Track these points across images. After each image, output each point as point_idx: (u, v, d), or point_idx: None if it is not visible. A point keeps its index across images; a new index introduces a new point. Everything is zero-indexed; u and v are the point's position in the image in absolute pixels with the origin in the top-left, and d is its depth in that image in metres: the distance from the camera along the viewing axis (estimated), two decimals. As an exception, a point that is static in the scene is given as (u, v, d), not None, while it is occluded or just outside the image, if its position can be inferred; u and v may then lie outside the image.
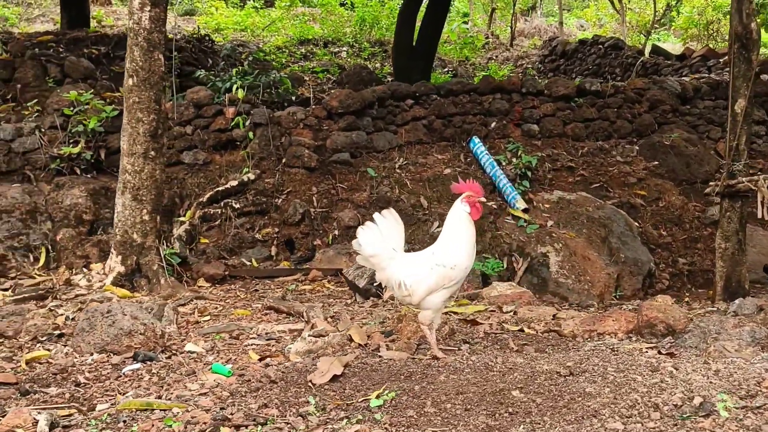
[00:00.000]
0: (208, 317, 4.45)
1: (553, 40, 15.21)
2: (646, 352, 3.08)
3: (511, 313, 4.23)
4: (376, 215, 3.38)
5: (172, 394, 2.72)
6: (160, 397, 2.69)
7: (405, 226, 7.95)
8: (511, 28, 17.14)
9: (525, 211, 8.06)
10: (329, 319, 3.96)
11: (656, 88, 9.72)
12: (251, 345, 3.58)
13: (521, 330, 3.76)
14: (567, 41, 14.65)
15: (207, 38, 12.11)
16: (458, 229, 3.44)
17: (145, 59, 5.77)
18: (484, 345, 3.36)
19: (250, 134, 7.85)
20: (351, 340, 3.40)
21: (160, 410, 2.53)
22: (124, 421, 2.47)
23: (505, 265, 7.63)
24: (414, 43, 11.79)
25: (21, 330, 3.95)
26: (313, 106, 8.61)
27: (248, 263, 7.11)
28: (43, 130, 7.30)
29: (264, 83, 9.33)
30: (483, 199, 3.53)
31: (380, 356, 3.18)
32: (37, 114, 7.57)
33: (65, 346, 3.54)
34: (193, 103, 8.03)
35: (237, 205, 7.44)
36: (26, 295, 5.17)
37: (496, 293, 4.92)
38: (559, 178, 8.80)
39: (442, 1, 11.51)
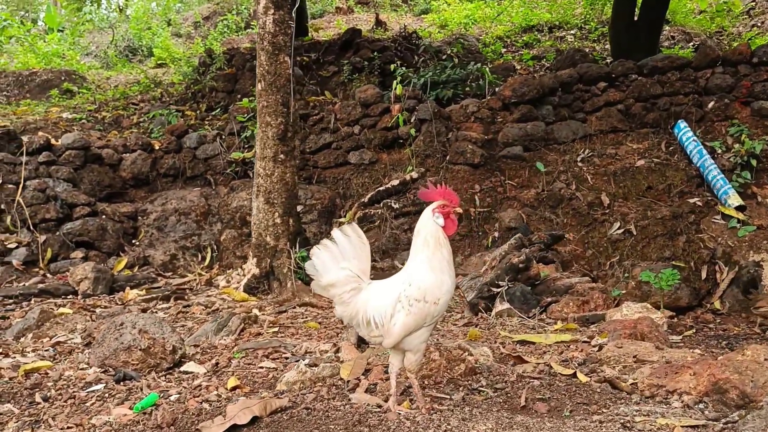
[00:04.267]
0: (276, 329, 4.22)
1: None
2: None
3: (597, 348, 3.28)
4: (335, 232, 2.72)
5: (65, 425, 2.52)
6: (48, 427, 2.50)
7: (578, 226, 7.02)
8: (786, -14, 14.15)
9: (740, 209, 6.56)
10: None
11: None
12: (259, 369, 3.27)
13: (573, 375, 2.87)
14: None
15: (414, 35, 12.00)
16: (436, 250, 2.70)
17: (270, 63, 5.82)
18: (487, 396, 2.60)
19: (412, 131, 7.49)
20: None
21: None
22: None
23: (704, 276, 6.25)
24: (635, 17, 10.29)
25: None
26: (488, 98, 7.95)
27: (399, 266, 6.76)
28: (223, 137, 7.80)
29: (461, 76, 8.93)
30: (459, 210, 2.78)
31: (349, 398, 2.63)
32: (221, 122, 8.12)
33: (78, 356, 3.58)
34: (360, 102, 7.99)
35: (396, 206, 7.18)
36: (157, 294, 5.47)
37: (619, 316, 3.93)
38: (799, 167, 6.96)
39: (668, -36, 9.89)
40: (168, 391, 2.95)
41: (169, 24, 19.63)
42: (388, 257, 6.99)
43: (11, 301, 5.39)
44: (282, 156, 5.94)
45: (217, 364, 3.41)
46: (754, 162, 6.82)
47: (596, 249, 6.61)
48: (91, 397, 2.89)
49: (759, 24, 13.70)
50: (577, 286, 4.81)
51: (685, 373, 2.61)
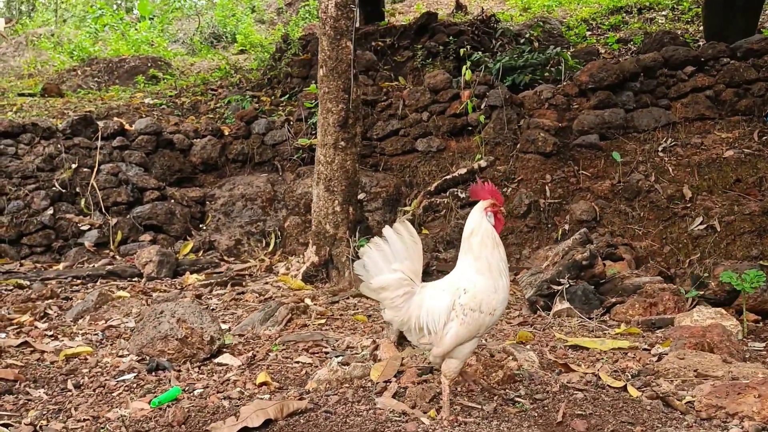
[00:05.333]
0: (323, 321, 4.13)
1: None
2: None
3: (656, 358, 2.98)
4: (386, 230, 2.53)
5: (84, 416, 2.49)
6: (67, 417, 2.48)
7: (656, 221, 6.61)
8: None
9: (841, 205, 5.89)
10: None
11: None
12: (295, 364, 3.18)
13: (624, 388, 2.60)
14: None
15: (492, 18, 11.62)
16: (494, 250, 2.51)
17: (332, 48, 5.72)
18: (522, 408, 2.39)
19: (481, 117, 7.23)
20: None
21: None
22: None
23: (798, 277, 5.69)
24: (732, -4, 9.56)
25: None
26: (564, 83, 7.56)
27: (464, 257, 6.55)
28: (291, 123, 7.79)
29: (540, 61, 8.57)
30: (503, 210, 2.62)
31: (375, 402, 2.48)
32: (294, 108, 8.11)
33: (122, 343, 3.59)
34: (429, 88, 7.79)
35: (462, 195, 6.95)
36: (216, 280, 5.50)
37: (689, 322, 3.60)
38: None
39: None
40: (195, 384, 2.90)
41: (253, 11, 19.96)
42: (452, 248, 6.78)
43: (79, 281, 5.58)
44: (342, 143, 5.83)
45: (254, 356, 3.35)
46: None
47: (675, 245, 6.16)
48: (120, 387, 2.88)
49: None
50: (647, 286, 4.45)
51: (750, 394, 2.31)
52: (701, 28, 11.19)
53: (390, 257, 2.51)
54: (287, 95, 9.63)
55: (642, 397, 2.56)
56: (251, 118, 8.28)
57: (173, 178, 7.66)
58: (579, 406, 2.44)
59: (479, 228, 2.55)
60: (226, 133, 8.06)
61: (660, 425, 2.28)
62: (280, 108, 8.77)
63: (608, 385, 2.70)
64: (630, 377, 2.87)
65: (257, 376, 2.95)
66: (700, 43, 9.80)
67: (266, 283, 5.53)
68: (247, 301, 4.85)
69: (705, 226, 6.13)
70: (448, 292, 2.51)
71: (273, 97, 10.14)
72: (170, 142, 7.77)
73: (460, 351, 2.45)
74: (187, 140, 7.90)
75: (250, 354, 3.39)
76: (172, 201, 7.12)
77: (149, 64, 13.45)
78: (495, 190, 2.60)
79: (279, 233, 7.07)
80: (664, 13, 13.42)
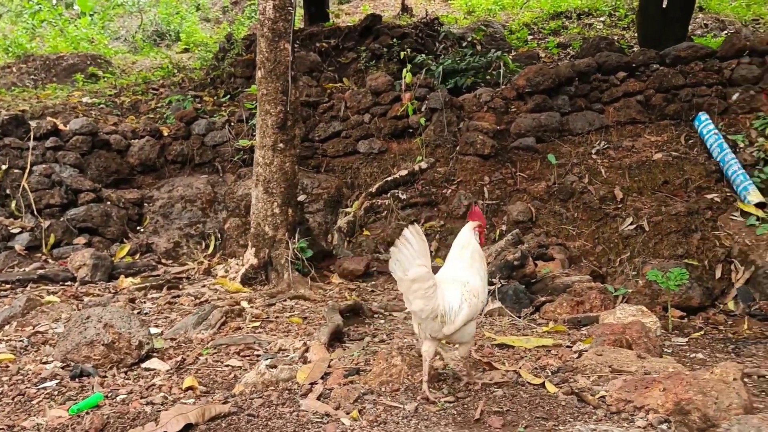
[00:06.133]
0: (258, 323, 4.12)
1: None
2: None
3: (576, 355, 3.09)
4: (406, 231, 2.87)
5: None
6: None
7: (589, 221, 6.81)
8: (830, -29, 13.48)
9: (760, 205, 6.27)
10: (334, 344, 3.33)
11: None
12: (225, 367, 3.17)
13: (542, 385, 2.69)
14: None
15: (436, 21, 11.75)
16: (482, 262, 3.18)
17: (270, 50, 5.71)
18: (442, 407, 2.44)
19: (422, 120, 7.31)
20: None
21: None
22: None
23: (718, 275, 5.97)
24: (664, 4, 9.88)
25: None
26: (503, 87, 7.71)
27: (405, 258, 6.61)
28: (232, 123, 7.73)
29: (481, 64, 8.70)
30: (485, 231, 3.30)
31: (299, 404, 2.51)
32: (232, 109, 8.05)
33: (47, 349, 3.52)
34: (371, 90, 7.84)
35: (403, 196, 7.03)
36: (151, 283, 5.42)
37: (612, 319, 3.73)
38: (825, 163, 6.59)
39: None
40: (119, 390, 2.87)
41: (198, 9, 19.65)
42: (392, 249, 6.85)
43: (9, 286, 5.41)
44: (281, 145, 5.83)
45: (183, 360, 3.33)
46: (778, 157, 6.49)
47: (606, 245, 6.37)
48: (40, 394, 2.83)
49: (800, 11, 13.10)
50: (576, 285, 4.60)
51: (656, 388, 2.42)
52: (637, 34, 11.58)
53: (414, 255, 2.82)
54: (230, 96, 9.54)
55: (559, 393, 2.66)
56: (191, 118, 8.18)
57: (110, 180, 7.50)
58: (497, 403, 2.52)
59: (469, 244, 3.16)
60: (166, 134, 7.94)
61: (572, 419, 2.38)
62: (223, 108, 8.68)
63: (528, 382, 2.80)
64: (549, 374, 2.98)
65: (184, 380, 2.93)
66: (635, 49, 10.13)
67: (203, 286, 5.47)
68: (182, 304, 4.80)
69: (635, 226, 6.35)
70: (456, 286, 2.99)
71: (216, 98, 10.03)
72: (107, 143, 7.60)
73: (466, 332, 2.92)
74: (125, 141, 7.74)
75: (179, 358, 3.36)
76: (109, 203, 6.97)
77: (88, 62, 13.11)
78: (481, 215, 3.26)
79: (219, 235, 7.00)
80: (602, 19, 13.80)
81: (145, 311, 4.58)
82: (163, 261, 6.66)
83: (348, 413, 2.46)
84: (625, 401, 2.45)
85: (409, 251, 2.81)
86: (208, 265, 6.18)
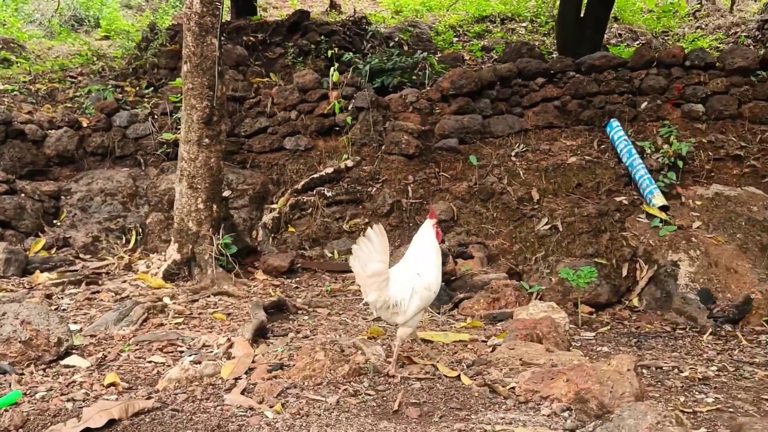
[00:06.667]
0: (181, 319, 4.13)
1: (776, 0, 12.48)
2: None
3: (491, 349, 3.28)
4: (370, 232, 3.18)
5: None
6: None
7: (507, 221, 7.06)
8: (732, -11, 14.41)
9: (664, 209, 6.65)
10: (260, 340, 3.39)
11: None
12: (147, 364, 3.18)
13: (458, 378, 2.86)
14: (794, 1, 11.91)
15: (364, 20, 11.85)
16: (436, 252, 3.48)
17: (197, 44, 5.67)
18: (363, 399, 2.56)
19: (348, 118, 7.41)
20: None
21: None
22: None
23: (624, 273, 6.34)
24: (581, 14, 10.32)
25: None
26: (428, 88, 7.90)
27: (329, 255, 6.71)
28: (156, 116, 7.59)
29: (408, 65, 8.84)
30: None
31: (223, 399, 2.57)
32: (156, 101, 7.90)
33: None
34: (298, 87, 7.87)
35: (329, 194, 7.11)
36: (69, 278, 5.30)
37: (525, 315, 3.94)
38: (722, 170, 7.16)
39: (614, -37, 9.90)
40: (38, 387, 2.84)
41: (119, -6, 19.03)
42: (318, 245, 6.92)
43: None
44: (207, 140, 5.80)
45: (104, 357, 3.31)
46: (680, 163, 6.94)
47: (523, 244, 6.65)
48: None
49: (703, 26, 13.95)
50: (493, 283, 4.82)
51: (560, 379, 2.62)
52: (556, 41, 12.06)
53: (374, 252, 3.12)
54: (153, 87, 9.33)
55: (473, 384, 2.83)
56: (113, 110, 7.97)
57: (24, 171, 7.21)
58: (415, 395, 2.66)
59: (431, 240, 3.47)
60: (85, 125, 7.71)
61: (483, 409, 2.54)
62: (145, 100, 8.49)
63: (444, 375, 2.95)
64: (465, 367, 3.15)
65: (105, 377, 2.93)
66: (554, 55, 10.56)
67: (124, 281, 5.39)
68: (102, 300, 4.72)
69: (549, 226, 6.66)
70: (409, 278, 3.30)
71: (138, 88, 9.78)
72: (21, 133, 7.31)
73: (415, 319, 3.28)
74: (41, 131, 7.47)
75: (100, 355, 3.34)
76: (23, 195, 6.72)
77: (1, 46, 12.51)
78: (436, 214, 3.66)
79: (140, 230, 6.88)
80: (524, 24, 14.27)
81: (63, 307, 4.48)
82: (81, 256, 6.49)
83: (271, 407, 2.54)
84: (533, 391, 2.64)
85: (370, 249, 3.11)
86: (128, 261, 6.08)
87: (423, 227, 3.55)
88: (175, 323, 4.09)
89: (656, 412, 2.00)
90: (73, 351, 3.38)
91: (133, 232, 6.83)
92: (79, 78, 10.86)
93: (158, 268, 5.83)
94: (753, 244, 6.19)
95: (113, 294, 4.87)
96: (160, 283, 5.32)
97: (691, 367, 4.12)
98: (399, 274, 3.30)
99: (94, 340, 3.69)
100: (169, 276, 5.70)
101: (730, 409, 3.24)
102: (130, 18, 17.36)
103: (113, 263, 6.04)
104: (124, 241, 6.78)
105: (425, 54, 9.47)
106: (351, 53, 9.42)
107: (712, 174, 7.09)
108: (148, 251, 6.60)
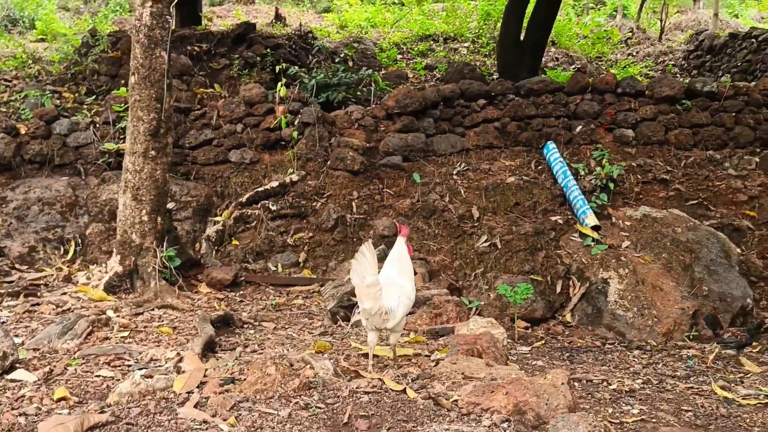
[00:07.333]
0: (127, 333, 4.13)
1: (701, 33, 13.32)
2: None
3: (434, 364, 3.45)
4: (362, 248, 3.61)
5: None
6: None
7: (448, 237, 7.28)
8: (661, 21, 15.29)
9: (596, 228, 6.97)
10: (210, 353, 3.46)
11: (794, 88, 7.96)
12: (96, 378, 3.20)
13: (404, 391, 3.01)
14: (716, 35, 12.71)
15: (310, 34, 11.98)
16: (410, 265, 3.93)
17: (145, 56, 5.67)
18: (313, 413, 2.67)
19: (295, 133, 7.51)
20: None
21: None
22: None
23: (558, 290, 6.63)
24: (521, 38, 10.74)
25: None
26: (373, 106, 8.09)
27: (273, 269, 6.77)
28: (98, 125, 7.50)
29: (353, 81, 8.99)
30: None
31: (177, 413, 2.63)
32: (101, 108, 7.80)
33: None
34: (245, 100, 7.91)
35: (274, 207, 7.17)
36: (6, 290, 5.20)
37: (466, 331, 4.11)
38: (649, 193, 7.56)
39: (553, -9, 10.35)
40: (-14, 402, 2.84)
41: (57, -4, 18.57)
42: (262, 259, 6.97)
43: None
44: (153, 152, 5.79)
45: (51, 371, 3.30)
46: (611, 185, 7.32)
47: (464, 260, 6.88)
48: None
49: (634, 53, 14.69)
50: (435, 298, 5.00)
51: (500, 392, 2.80)
52: (496, 62, 12.48)
53: (369, 266, 3.53)
54: (94, 94, 9.19)
55: (418, 398, 2.98)
56: (52, 117, 7.82)
57: (-43, 178, 7.02)
58: (364, 408, 2.78)
59: (406, 255, 3.92)
60: (23, 132, 7.54)
61: (428, 421, 2.69)
62: (85, 107, 8.36)
63: (391, 389, 3.09)
64: (410, 381, 3.30)
65: (55, 391, 2.94)
66: (495, 76, 10.93)
67: (64, 293, 5.32)
68: (42, 313, 4.65)
69: (489, 243, 6.91)
70: (395, 289, 3.74)
71: (77, 94, 9.59)
72: (-46, 138, 7.12)
73: (400, 325, 3.74)
74: (-25, 137, 7.28)
75: (47, 369, 3.32)
76: (-45, 203, 6.54)
77: (-71, 46, 12.05)
78: (407, 230, 4.17)
79: (80, 241, 6.77)
80: (465, 44, 14.67)
81: (2, 320, 4.41)
82: (18, 266, 6.34)
83: (225, 420, 2.62)
84: (474, 404, 2.81)
85: (365, 263, 3.53)
86: (68, 272, 5.98)
87: (398, 243, 3.95)
88: (121, 337, 4.10)
89: (587, 422, 2.19)
90: (18, 365, 3.35)
91: (72, 243, 6.72)
92: (14, 82, 10.56)
93: (99, 280, 5.77)
94: (677, 264, 6.58)
95: (54, 306, 4.81)
96: (101, 295, 5.28)
97: (619, 380, 4.39)
98: (387, 285, 3.70)
99: (39, 354, 3.66)
100: (110, 288, 5.65)
101: (654, 420, 3.50)
102: (67, 21, 16.96)
103: (52, 274, 5.93)
104: (62, 252, 6.66)
105: (370, 71, 9.65)
106: (297, 67, 9.52)
107: (641, 196, 7.51)
108: (87, 263, 6.50)
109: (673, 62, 13.60)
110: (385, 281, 3.71)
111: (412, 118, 7.92)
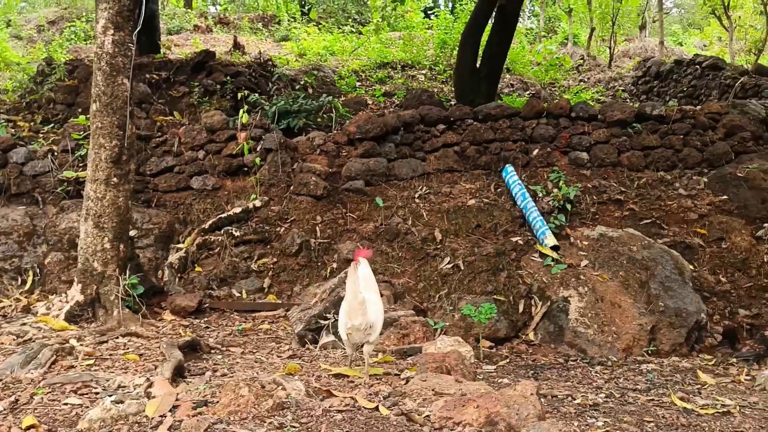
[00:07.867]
0: (92, 361, 4.08)
1: (648, 60, 13.87)
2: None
3: (405, 382, 3.50)
4: (350, 269, 3.94)
5: None
6: None
7: (412, 260, 7.35)
8: (610, 48, 15.86)
9: (555, 248, 7.13)
10: (179, 378, 3.44)
11: (736, 113, 8.41)
12: (64, 406, 3.15)
13: (376, 408, 3.05)
14: (662, 62, 13.25)
15: (269, 62, 12.07)
16: (377, 289, 4.23)
17: (107, 84, 5.67)
18: (289, 431, 2.69)
19: (257, 159, 7.54)
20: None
21: None
22: None
23: (521, 309, 6.74)
24: (477, 65, 11.00)
25: None
26: (334, 132, 8.18)
27: (238, 294, 6.74)
28: (56, 153, 7.41)
29: (313, 107, 9.09)
30: None
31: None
32: (58, 137, 7.71)
33: None
34: (206, 127, 7.92)
35: (237, 233, 7.16)
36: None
37: (434, 349, 4.18)
38: (605, 213, 7.78)
39: (508, 21, 10.66)
40: (-48, 432, 2.77)
41: (9, 25, 18.31)
42: (226, 285, 6.93)
43: None
44: (115, 179, 5.76)
45: (16, 401, 3.24)
46: (569, 206, 7.53)
47: (428, 282, 6.96)
48: None
49: (586, 80, 15.18)
50: (401, 319, 5.06)
51: (471, 405, 2.87)
52: (454, 89, 12.74)
53: (360, 284, 3.93)
54: (50, 123, 9.08)
55: (390, 414, 3.02)
56: (9, 146, 7.69)
57: None
58: (338, 425, 2.81)
59: (371, 275, 4.20)
60: (-22, 161, 7.40)
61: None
62: (41, 135, 8.25)
63: (363, 407, 3.13)
64: (382, 399, 3.34)
65: (23, 420, 2.89)
66: (452, 102, 11.17)
67: (24, 324, 5.21)
68: (2, 343, 4.55)
69: (452, 265, 7.02)
70: (374, 306, 4.04)
71: (33, 123, 9.47)
72: None
73: (377, 339, 4.10)
74: (-72, 166, 7.11)
75: (12, 398, 3.26)
76: None
77: None
78: (371, 252, 4.61)
79: (38, 270, 6.64)
80: (423, 72, 14.96)
81: (-40, 352, 4.30)
82: (-28, 298, 6.19)
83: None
84: (446, 418, 2.86)
85: (355, 283, 3.88)
86: (27, 303, 5.86)
87: (363, 264, 4.18)
88: (87, 365, 4.03)
89: (558, 429, 2.27)
90: (-18, 396, 3.29)
91: (31, 273, 6.58)
92: (-34, 110, 10.36)
93: (59, 309, 5.67)
94: (633, 281, 6.78)
95: (14, 337, 4.71)
96: (63, 325, 5.18)
97: (583, 394, 4.50)
98: (368, 302, 4.00)
99: (2, 384, 3.59)
100: (71, 318, 5.55)
101: (618, 431, 3.61)
102: (20, 49, 16.72)
103: (10, 305, 5.80)
104: (20, 282, 6.52)
105: (330, 98, 9.77)
106: (257, 95, 9.58)
107: (597, 216, 7.73)
108: (46, 292, 6.38)
109: (622, 88, 14.10)
110: (367, 298, 3.96)
111: (374, 144, 8.04)
